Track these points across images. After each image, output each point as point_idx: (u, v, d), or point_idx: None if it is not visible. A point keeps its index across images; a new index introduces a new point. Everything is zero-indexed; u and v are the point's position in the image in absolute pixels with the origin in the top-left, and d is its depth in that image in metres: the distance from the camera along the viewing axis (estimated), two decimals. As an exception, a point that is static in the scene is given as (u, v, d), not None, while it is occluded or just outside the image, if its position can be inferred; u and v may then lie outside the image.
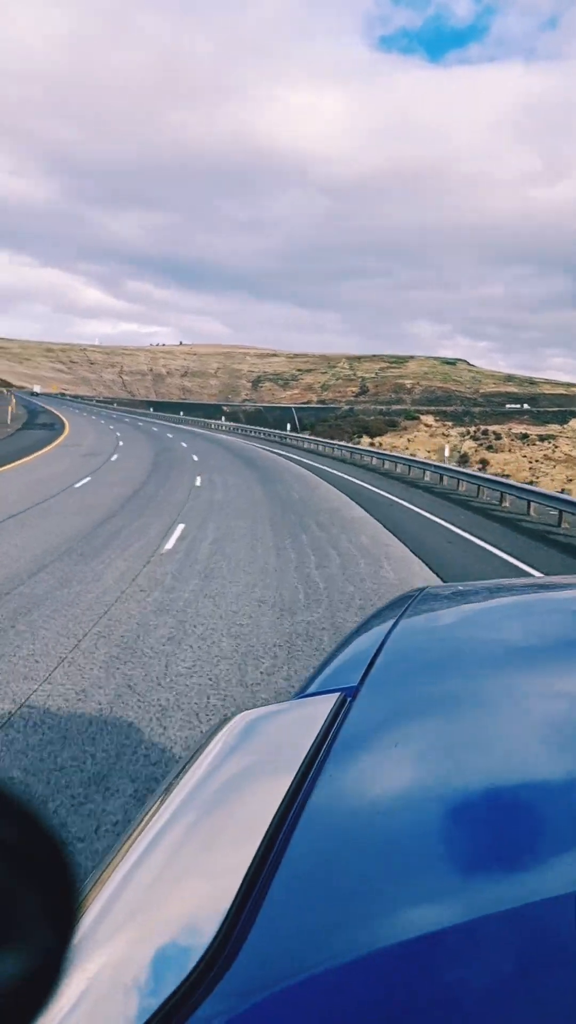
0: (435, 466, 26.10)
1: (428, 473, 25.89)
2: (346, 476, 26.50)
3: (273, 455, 35.97)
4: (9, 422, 56.00)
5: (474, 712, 1.11)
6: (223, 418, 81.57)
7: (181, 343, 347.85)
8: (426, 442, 67.00)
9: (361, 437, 71.28)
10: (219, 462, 30.20)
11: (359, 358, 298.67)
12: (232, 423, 71.08)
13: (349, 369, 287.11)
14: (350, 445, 42.46)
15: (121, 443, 39.80)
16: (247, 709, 1.22)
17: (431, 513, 17.50)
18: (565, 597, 1.85)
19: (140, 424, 66.77)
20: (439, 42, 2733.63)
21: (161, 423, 74.22)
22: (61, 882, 0.46)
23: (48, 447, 35.85)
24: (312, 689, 1.29)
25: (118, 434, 48.17)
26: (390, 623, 1.53)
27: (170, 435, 50.73)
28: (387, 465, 30.49)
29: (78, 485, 20.46)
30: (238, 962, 0.63)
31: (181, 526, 14.12)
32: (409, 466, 28.34)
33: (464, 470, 25.41)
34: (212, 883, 0.78)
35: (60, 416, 68.68)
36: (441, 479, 24.71)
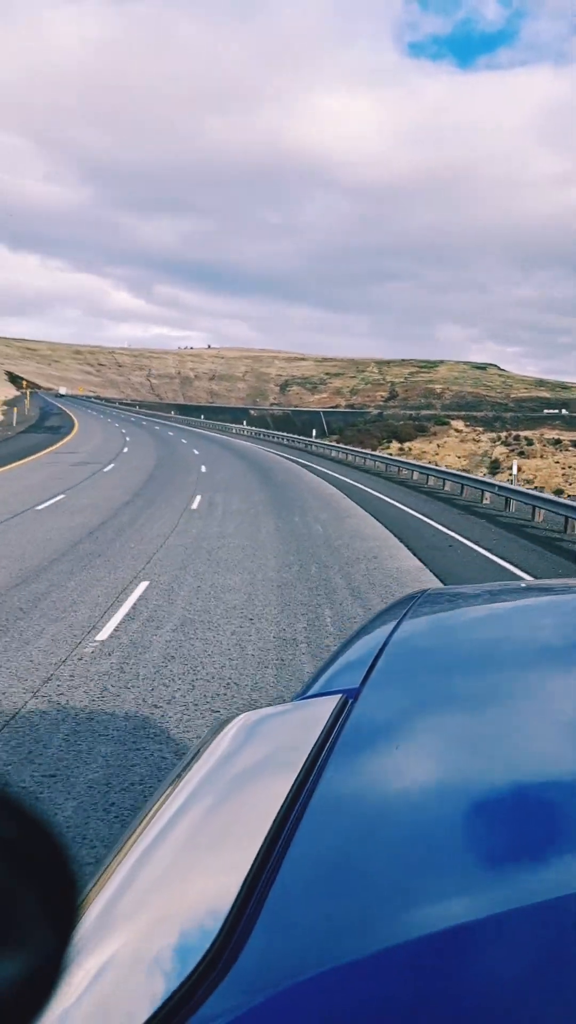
0: (498, 487, 20.39)
1: (489, 495, 20.37)
2: (385, 497, 21.19)
3: (295, 466, 30.93)
4: (15, 424, 51.64)
5: (476, 714, 1.10)
6: (245, 422, 75.50)
7: (209, 346, 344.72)
8: (456, 448, 64.38)
9: (390, 442, 69.17)
10: (229, 475, 25.28)
11: (388, 362, 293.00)
12: (254, 428, 65.42)
13: (378, 373, 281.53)
14: (385, 456, 36.64)
15: (126, 450, 35.08)
16: (248, 711, 1.21)
17: (522, 568, 12.25)
18: (566, 599, 1.84)
19: (156, 428, 62.12)
20: (468, 47, 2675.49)
21: (179, 427, 69.60)
22: (61, 882, 0.46)
23: (39, 453, 31.24)
24: (314, 690, 1.27)
25: (127, 439, 43.55)
26: (392, 625, 1.51)
27: (184, 440, 45.97)
28: (433, 481, 25.08)
29: (40, 507, 15.61)
30: (240, 962, 0.62)
31: (138, 591, 9.09)
32: (462, 485, 22.53)
33: (549, 496, 19.64)
34: (213, 883, 0.77)
35: (73, 419, 64.34)
36: (507, 504, 19.00)
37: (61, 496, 17.45)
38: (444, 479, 24.55)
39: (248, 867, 0.73)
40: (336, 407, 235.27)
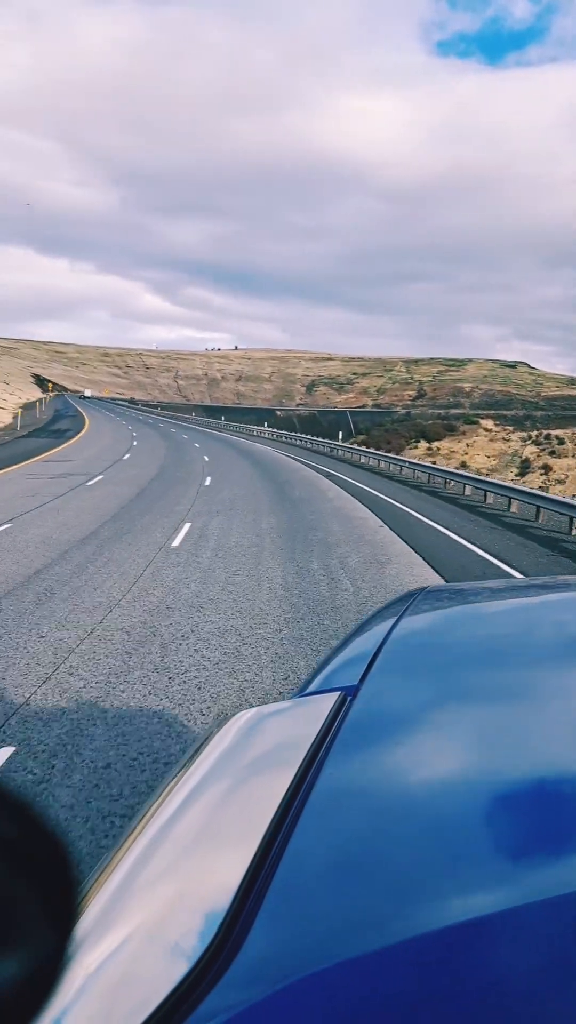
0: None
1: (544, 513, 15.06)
2: (436, 524, 16.16)
3: (318, 477, 26.19)
4: (19, 428, 47.49)
5: (475, 711, 1.10)
6: (267, 424, 69.45)
7: (236, 348, 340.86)
8: (485, 447, 62.35)
9: (418, 442, 66.54)
10: (237, 490, 20.53)
11: (416, 361, 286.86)
12: (277, 430, 59.89)
13: (406, 373, 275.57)
14: (427, 465, 29.12)
15: (127, 456, 30.63)
16: (246, 708, 1.21)
17: None
18: (566, 596, 1.83)
19: (171, 431, 57.61)
20: (497, 45, 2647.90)
21: (197, 429, 65.18)
22: (61, 881, 0.46)
23: (26, 461, 26.91)
24: (312, 688, 1.27)
25: (135, 443, 39.15)
26: (391, 622, 1.50)
27: (197, 445, 41.30)
28: (492, 499, 19.59)
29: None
30: (239, 960, 0.62)
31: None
32: (539, 507, 16.52)
33: None
34: (214, 880, 0.77)
35: (85, 421, 60.16)
36: (572, 524, 14.37)
37: (3, 527, 12.88)
38: (509, 498, 18.34)
39: (247, 866, 0.73)
40: (363, 407, 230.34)
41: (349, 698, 1.11)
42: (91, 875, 0.84)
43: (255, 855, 0.74)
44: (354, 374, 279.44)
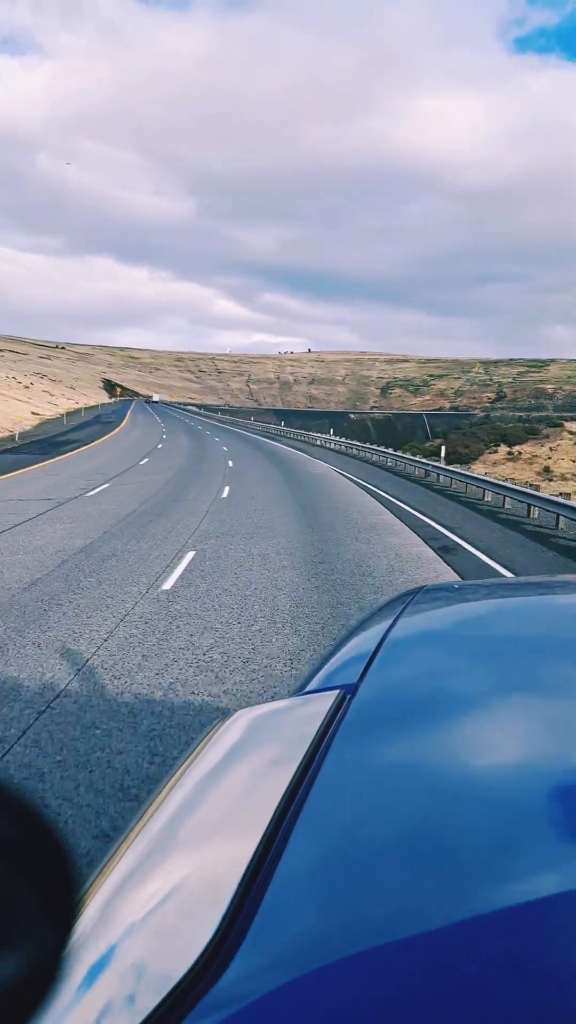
0: None
1: None
2: None
3: (405, 545, 14.03)
4: (17, 439, 36.80)
5: (473, 709, 1.08)
6: (332, 431, 53.71)
7: (309, 350, 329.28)
8: (571, 451, 58.23)
9: (498, 446, 62.12)
10: (242, 592, 8.36)
11: (495, 362, 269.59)
12: (346, 440, 42.81)
13: (484, 374, 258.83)
14: None
15: (104, 487, 19.04)
16: (247, 707, 1.19)
17: None
18: (564, 595, 1.80)
19: (217, 439, 46.05)
20: None
21: (249, 435, 53.61)
22: (61, 881, 0.45)
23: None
24: (311, 687, 1.25)
25: (143, 461, 27.68)
26: (389, 621, 1.48)
27: (231, 463, 29.16)
28: None
29: None
30: (239, 958, 0.61)
31: None
32: None
33: None
34: (211, 881, 0.75)
35: (117, 428, 49.29)
36: None
37: None
38: None
39: (245, 865, 0.71)
40: (440, 409, 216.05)
41: (348, 696, 1.09)
42: (91, 874, 0.81)
43: (255, 853, 0.72)
44: (430, 376, 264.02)
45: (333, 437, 46.52)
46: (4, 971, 0.41)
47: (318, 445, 45.59)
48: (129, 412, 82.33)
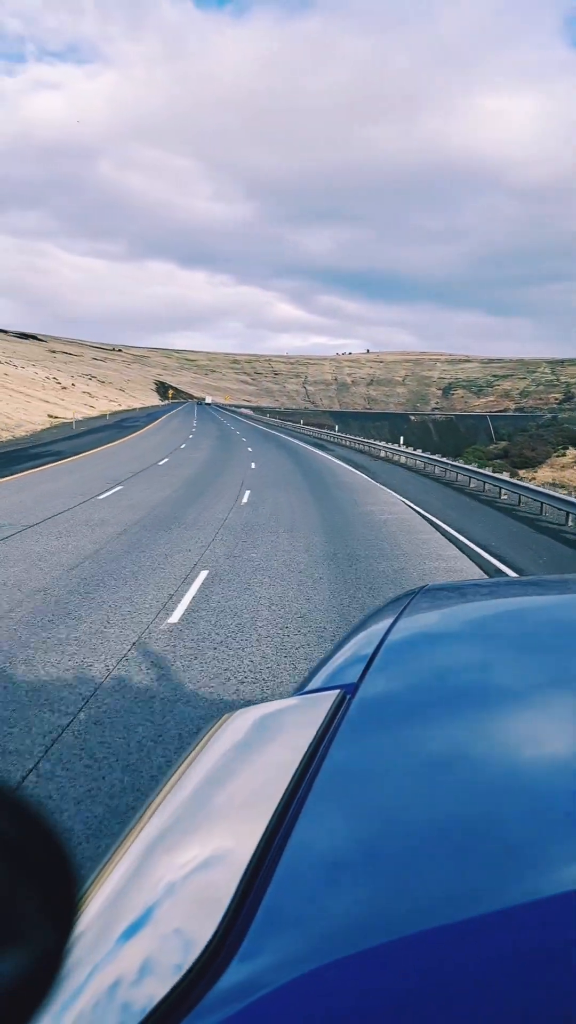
0: None
1: None
2: None
3: None
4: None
5: (474, 709, 1.07)
6: (402, 440, 37.48)
7: (368, 351, 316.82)
8: None
9: (566, 449, 59.25)
10: None
11: (562, 362, 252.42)
12: (424, 455, 30.12)
13: (551, 374, 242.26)
14: None
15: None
16: (247, 706, 1.18)
17: None
18: (565, 595, 1.79)
19: (250, 449, 35.19)
20: None
21: (294, 442, 42.73)
22: (61, 880, 0.45)
23: None
24: (312, 686, 1.23)
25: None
26: (390, 621, 1.46)
27: (249, 493, 17.63)
28: None
29: None
30: (238, 958, 0.60)
31: None
32: None
33: None
34: (211, 880, 0.74)
35: (140, 433, 39.07)
36: None
37: None
38: None
39: (248, 861, 0.71)
40: (504, 411, 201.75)
41: (348, 696, 1.08)
42: (91, 874, 0.80)
43: (255, 852, 0.71)
44: (494, 376, 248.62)
45: (404, 448, 33.60)
46: (4, 971, 0.41)
47: (382, 458, 33.59)
48: (165, 416, 72.40)
